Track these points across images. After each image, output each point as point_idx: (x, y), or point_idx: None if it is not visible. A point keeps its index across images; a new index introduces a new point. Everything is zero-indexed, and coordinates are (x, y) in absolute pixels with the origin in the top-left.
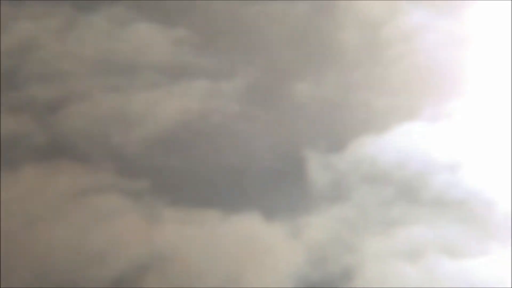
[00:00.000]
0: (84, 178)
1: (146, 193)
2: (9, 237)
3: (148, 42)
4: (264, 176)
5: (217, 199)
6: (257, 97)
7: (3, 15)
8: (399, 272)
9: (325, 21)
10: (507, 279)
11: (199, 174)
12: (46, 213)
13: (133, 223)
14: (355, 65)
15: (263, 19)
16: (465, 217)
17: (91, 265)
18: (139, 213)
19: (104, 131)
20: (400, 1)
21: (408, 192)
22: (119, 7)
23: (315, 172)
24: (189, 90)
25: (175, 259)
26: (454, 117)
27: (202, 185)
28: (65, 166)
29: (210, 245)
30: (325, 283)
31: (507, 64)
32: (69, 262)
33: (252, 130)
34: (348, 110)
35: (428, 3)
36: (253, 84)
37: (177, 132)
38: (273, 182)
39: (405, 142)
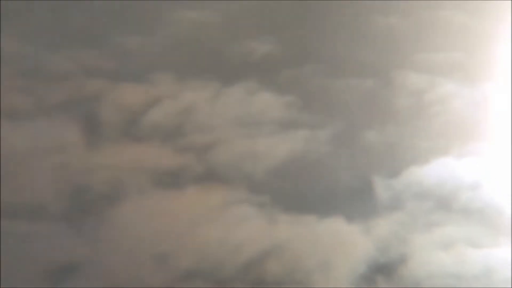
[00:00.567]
0: (227, 195)
1: (267, 205)
2: (178, 236)
3: (268, 105)
4: (346, 193)
5: (314, 208)
6: (341, 141)
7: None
8: (437, 259)
9: (385, 91)
10: None
11: (302, 191)
12: (203, 219)
13: (259, 225)
14: (407, 119)
15: (343, 90)
16: (483, 220)
17: (232, 253)
18: (262, 218)
19: (240, 164)
20: (438, 77)
21: (444, 204)
22: (250, 82)
23: (380, 191)
24: (295, 137)
25: (287, 249)
26: (475, 153)
27: (304, 198)
28: (215, 187)
29: (310, 239)
30: (387, 265)
31: None
32: (218, 251)
33: (337, 163)
34: (402, 149)
35: (456, 77)
36: (338, 132)
37: (288, 164)
38: (352, 197)
39: (441, 170)
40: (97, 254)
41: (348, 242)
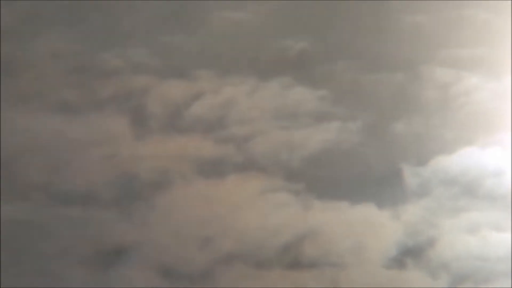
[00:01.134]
0: (265, 183)
1: (302, 192)
2: (219, 221)
3: (303, 98)
4: (376, 181)
5: (346, 195)
6: (371, 132)
7: (211, 82)
8: (463, 242)
9: (413, 85)
10: None
11: (335, 179)
12: (243, 204)
13: (295, 211)
14: (433, 111)
15: (374, 84)
16: (506, 205)
17: (270, 237)
18: (298, 204)
19: (277, 153)
20: (463, 71)
21: (469, 190)
22: (286, 78)
23: (408, 178)
24: (328, 128)
25: (321, 233)
26: (498, 143)
27: (337, 186)
28: (253, 176)
29: (342, 224)
30: (416, 249)
31: None
32: (256, 235)
33: (368, 153)
34: (429, 139)
35: (480, 71)
36: (369, 124)
37: (322, 154)
38: (382, 184)
39: (466, 159)
40: (145, 237)
41: (379, 226)
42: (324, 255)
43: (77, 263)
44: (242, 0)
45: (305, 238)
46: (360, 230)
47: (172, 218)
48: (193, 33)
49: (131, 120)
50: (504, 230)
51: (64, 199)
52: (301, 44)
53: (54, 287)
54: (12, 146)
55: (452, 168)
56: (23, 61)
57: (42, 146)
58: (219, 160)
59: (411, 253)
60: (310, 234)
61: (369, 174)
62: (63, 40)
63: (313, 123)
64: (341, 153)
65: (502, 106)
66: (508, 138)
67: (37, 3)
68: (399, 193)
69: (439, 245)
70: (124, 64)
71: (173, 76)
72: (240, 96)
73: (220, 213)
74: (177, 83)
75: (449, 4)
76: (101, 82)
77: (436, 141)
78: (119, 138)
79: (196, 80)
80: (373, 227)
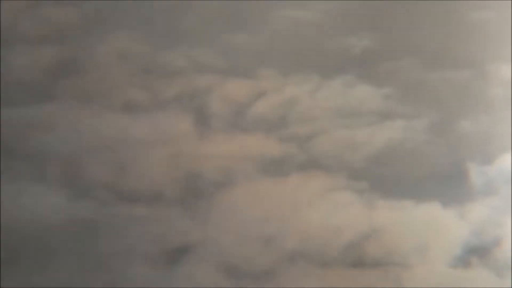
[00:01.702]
0: (327, 182)
1: (366, 191)
2: (282, 220)
3: (366, 97)
4: (441, 179)
5: (411, 194)
6: (436, 130)
7: (273, 80)
8: None
9: (478, 82)
10: None
11: (400, 178)
12: (306, 204)
13: (358, 210)
14: (499, 109)
15: (439, 82)
16: None
17: (333, 236)
18: (362, 203)
19: (340, 152)
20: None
21: None
22: (350, 76)
23: (474, 177)
24: (393, 127)
25: (385, 232)
26: None
27: (401, 185)
28: (316, 175)
29: (407, 223)
30: (482, 248)
31: None
32: (319, 234)
33: (433, 151)
34: (495, 137)
35: None
36: (434, 122)
37: (386, 153)
38: (447, 183)
39: None
40: (209, 236)
41: (444, 226)
42: (388, 255)
43: (142, 261)
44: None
45: (369, 237)
46: (425, 229)
47: (235, 217)
48: (255, 32)
49: (194, 119)
50: None
51: (129, 198)
52: (365, 42)
53: (119, 286)
54: (79, 145)
55: None
56: (89, 61)
57: (108, 146)
58: (281, 159)
59: (477, 252)
60: (373, 233)
61: (434, 172)
62: (128, 40)
63: (376, 122)
64: (406, 152)
65: None
66: None
67: (101, 3)
68: (465, 192)
69: (505, 244)
70: (187, 63)
71: (236, 75)
72: (302, 95)
73: (283, 212)
74: (240, 82)
75: None
76: (165, 82)
77: (502, 139)
78: (183, 137)
79: (259, 79)
80: (438, 226)
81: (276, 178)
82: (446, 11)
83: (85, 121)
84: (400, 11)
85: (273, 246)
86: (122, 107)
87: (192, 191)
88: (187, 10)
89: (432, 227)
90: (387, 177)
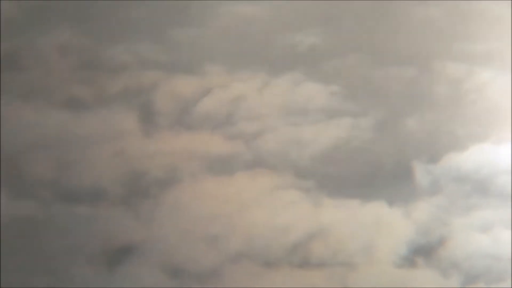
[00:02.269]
0: (274, 180)
1: (313, 189)
2: (228, 219)
3: (313, 94)
4: (388, 178)
5: (357, 193)
6: (383, 128)
7: (220, 78)
8: (475, 240)
9: (425, 80)
10: None
11: (346, 177)
12: (252, 202)
13: (305, 209)
14: (446, 107)
15: (385, 79)
16: None
17: (279, 235)
18: (308, 202)
19: (287, 150)
20: (475, 66)
21: (481, 188)
22: (297, 73)
23: (420, 176)
24: (340, 124)
25: (331, 231)
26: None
27: (348, 183)
28: (263, 173)
29: (353, 222)
30: (427, 247)
31: None
32: (265, 234)
33: (379, 149)
34: (441, 136)
35: (493, 66)
36: (380, 120)
37: (332, 151)
38: (394, 182)
39: (478, 156)
40: (153, 235)
41: (390, 225)
42: (334, 254)
43: (85, 261)
44: None
45: (315, 237)
46: (371, 229)
47: (180, 216)
48: (202, 28)
49: (139, 116)
50: None
51: (71, 196)
52: (312, 39)
53: (61, 287)
54: (18, 142)
55: (464, 165)
56: (30, 56)
57: (50, 143)
58: (228, 157)
59: (422, 252)
60: (320, 233)
61: (380, 171)
62: (70, 35)
63: (323, 119)
64: (352, 150)
65: None
66: None
67: None
68: (410, 191)
69: (451, 244)
70: (132, 59)
71: (182, 72)
72: (249, 92)
73: (228, 211)
74: (186, 79)
75: None
76: (109, 78)
77: (448, 137)
78: (127, 135)
79: (205, 76)
80: (383, 225)
81: (222, 176)
82: (392, 9)
83: (26, 117)
84: (347, 8)
85: (218, 246)
86: (65, 104)
87: (137, 189)
88: (132, 4)
89: (378, 226)
90: (333, 175)
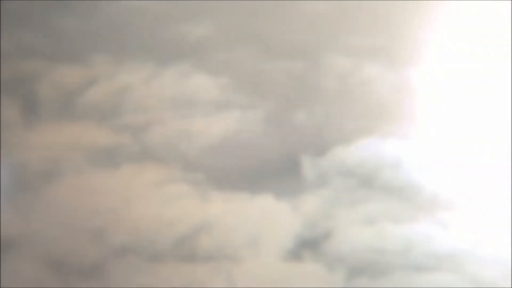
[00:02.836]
0: (162, 173)
1: (201, 182)
2: (113, 212)
3: (202, 86)
4: (275, 172)
5: (245, 186)
6: (271, 122)
7: (106, 67)
8: (360, 234)
9: (313, 73)
10: (431, 237)
11: (235, 170)
12: (138, 196)
13: (192, 202)
14: (332, 101)
15: (274, 72)
16: (402, 197)
17: (164, 229)
18: (196, 195)
19: (175, 143)
20: (362, 61)
21: (366, 182)
22: (185, 65)
23: (307, 169)
24: (228, 117)
25: (218, 225)
26: (397, 134)
27: (236, 177)
28: (150, 166)
29: (241, 216)
30: (313, 241)
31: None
32: (151, 227)
33: (268, 143)
34: (328, 129)
35: (380, 61)
36: (269, 113)
37: (221, 143)
38: (281, 175)
39: (364, 150)
40: (33, 230)
41: (277, 218)
42: (220, 248)
43: None
44: None
45: (202, 231)
46: (258, 222)
47: (62, 210)
48: (87, 16)
49: (20, 107)
50: (401, 222)
51: None
52: (201, 31)
53: None
54: None
55: (350, 159)
56: None
57: None
58: (113, 149)
59: (308, 246)
60: (206, 226)
61: (268, 164)
62: None
63: (212, 112)
64: (241, 143)
65: (401, 97)
66: (406, 129)
67: None
68: (298, 184)
69: (336, 237)
70: (13, 47)
71: (67, 62)
72: (137, 83)
73: (113, 204)
74: (71, 69)
75: None
76: None
77: (335, 131)
78: (7, 126)
79: (90, 66)
80: (270, 219)
81: (107, 169)
82: (281, 1)
83: None
84: (236, 0)
85: (102, 240)
86: None
87: (16, 182)
88: None
89: (265, 219)
90: (222, 168)
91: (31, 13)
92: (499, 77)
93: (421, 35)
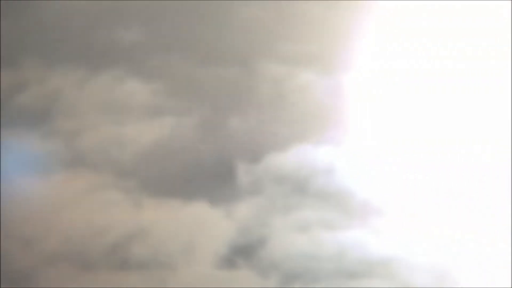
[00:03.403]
0: (94, 180)
1: (134, 189)
2: (44, 220)
3: (135, 92)
4: (210, 178)
5: (179, 193)
6: (205, 128)
7: (37, 71)
8: (294, 240)
9: (248, 80)
10: (364, 244)
11: (168, 176)
12: (69, 203)
13: (125, 209)
14: (267, 107)
15: (209, 78)
16: (336, 204)
17: (97, 236)
18: (128, 202)
19: (107, 149)
20: (297, 67)
21: (300, 188)
22: (117, 70)
23: (241, 176)
24: (162, 123)
25: (151, 232)
26: (331, 140)
27: (169, 184)
28: (82, 172)
29: (174, 222)
30: (248, 248)
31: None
32: (83, 235)
33: (202, 149)
34: (263, 136)
35: (314, 67)
36: (203, 119)
37: (155, 150)
38: (215, 182)
39: (299, 156)
40: None
41: (211, 225)
42: (153, 256)
43: None
44: None
45: (134, 238)
46: (192, 229)
47: None
48: (16, 17)
49: None
50: (334, 228)
51: None
52: (134, 35)
53: None
54: None
55: (285, 166)
56: None
57: None
58: (44, 156)
59: (243, 253)
60: (139, 234)
61: (202, 171)
62: None
63: (146, 118)
64: (175, 149)
65: (335, 103)
66: (340, 135)
67: None
68: (232, 191)
69: (270, 244)
70: None
71: None
72: (68, 88)
73: (45, 211)
74: None
75: None
76: None
77: (270, 137)
78: None
79: (21, 69)
80: (205, 225)
81: (38, 175)
82: (215, 7)
83: None
84: (170, 5)
85: (33, 247)
86: None
87: None
88: None
89: (199, 227)
90: (155, 175)
91: None
92: (435, 81)
93: (354, 41)
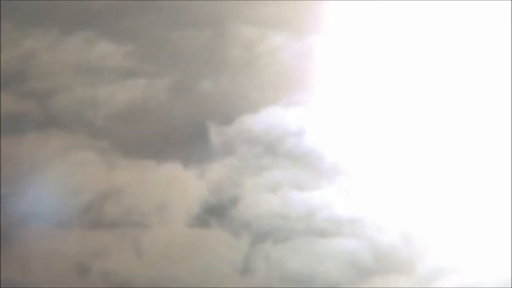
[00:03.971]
0: (67, 141)
1: (107, 150)
2: (18, 179)
3: (108, 54)
4: (183, 139)
5: (152, 154)
6: (179, 89)
7: (10, 33)
8: (265, 201)
9: (219, 42)
10: (333, 204)
11: (141, 137)
12: (43, 163)
13: (99, 170)
14: (238, 70)
15: (181, 41)
16: (306, 165)
17: (71, 197)
18: (102, 163)
19: (81, 110)
20: (267, 30)
21: (271, 149)
22: (90, 32)
23: (214, 137)
24: (135, 85)
25: (125, 192)
26: (301, 102)
27: (143, 145)
28: (55, 133)
29: (147, 183)
30: (220, 207)
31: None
32: (57, 194)
33: (175, 111)
34: (234, 98)
35: (284, 30)
36: (176, 81)
37: (128, 111)
38: (188, 143)
39: (270, 118)
40: None
41: (184, 185)
42: (127, 215)
43: None
44: None
45: (108, 198)
46: (165, 189)
47: None
48: None
49: None
50: (304, 188)
51: None
52: None
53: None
54: None
55: (256, 127)
56: None
57: None
58: (18, 116)
59: (215, 212)
60: (113, 194)
61: (175, 132)
62: None
63: (118, 80)
64: (148, 111)
65: (306, 66)
66: (310, 97)
67: None
68: (205, 152)
69: (242, 204)
70: None
71: None
72: (40, 50)
73: (18, 171)
74: None
75: None
76: None
77: (241, 100)
78: None
79: None
80: (178, 186)
81: (12, 136)
82: None
83: None
84: None
85: (6, 208)
86: None
87: None
88: None
89: (172, 187)
90: (129, 136)
91: None
92: (405, 41)
93: (324, 4)
